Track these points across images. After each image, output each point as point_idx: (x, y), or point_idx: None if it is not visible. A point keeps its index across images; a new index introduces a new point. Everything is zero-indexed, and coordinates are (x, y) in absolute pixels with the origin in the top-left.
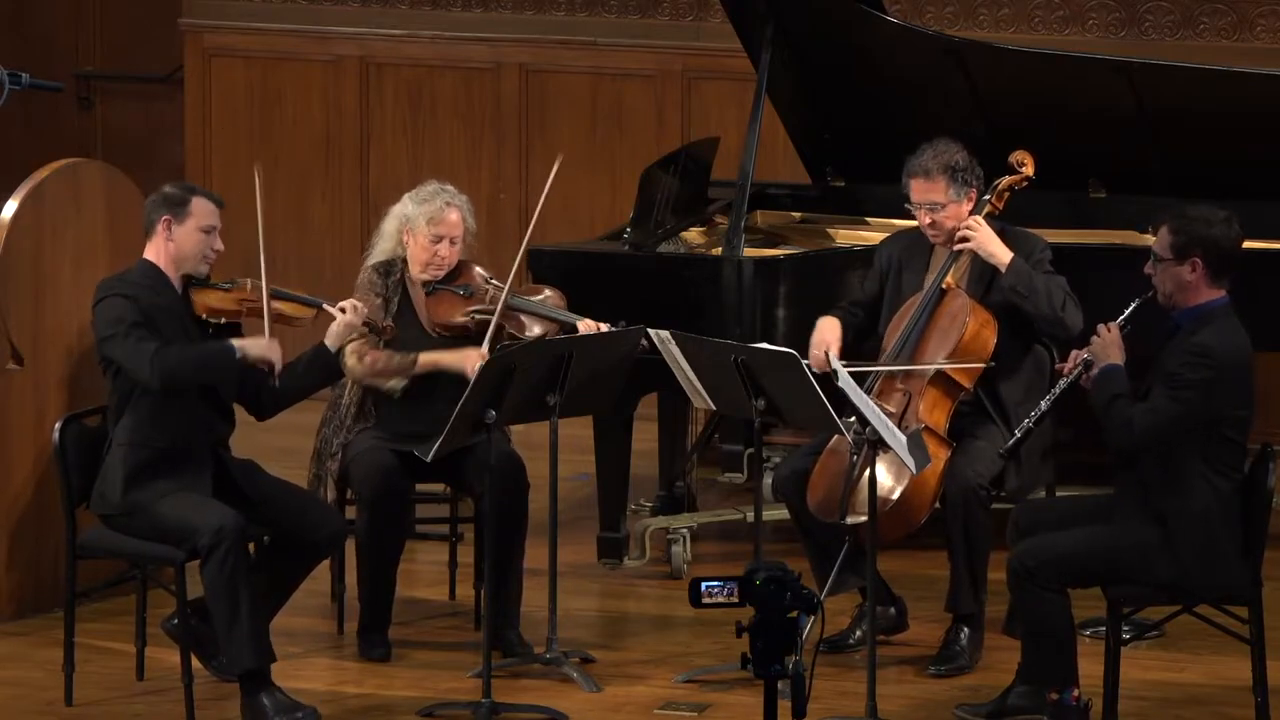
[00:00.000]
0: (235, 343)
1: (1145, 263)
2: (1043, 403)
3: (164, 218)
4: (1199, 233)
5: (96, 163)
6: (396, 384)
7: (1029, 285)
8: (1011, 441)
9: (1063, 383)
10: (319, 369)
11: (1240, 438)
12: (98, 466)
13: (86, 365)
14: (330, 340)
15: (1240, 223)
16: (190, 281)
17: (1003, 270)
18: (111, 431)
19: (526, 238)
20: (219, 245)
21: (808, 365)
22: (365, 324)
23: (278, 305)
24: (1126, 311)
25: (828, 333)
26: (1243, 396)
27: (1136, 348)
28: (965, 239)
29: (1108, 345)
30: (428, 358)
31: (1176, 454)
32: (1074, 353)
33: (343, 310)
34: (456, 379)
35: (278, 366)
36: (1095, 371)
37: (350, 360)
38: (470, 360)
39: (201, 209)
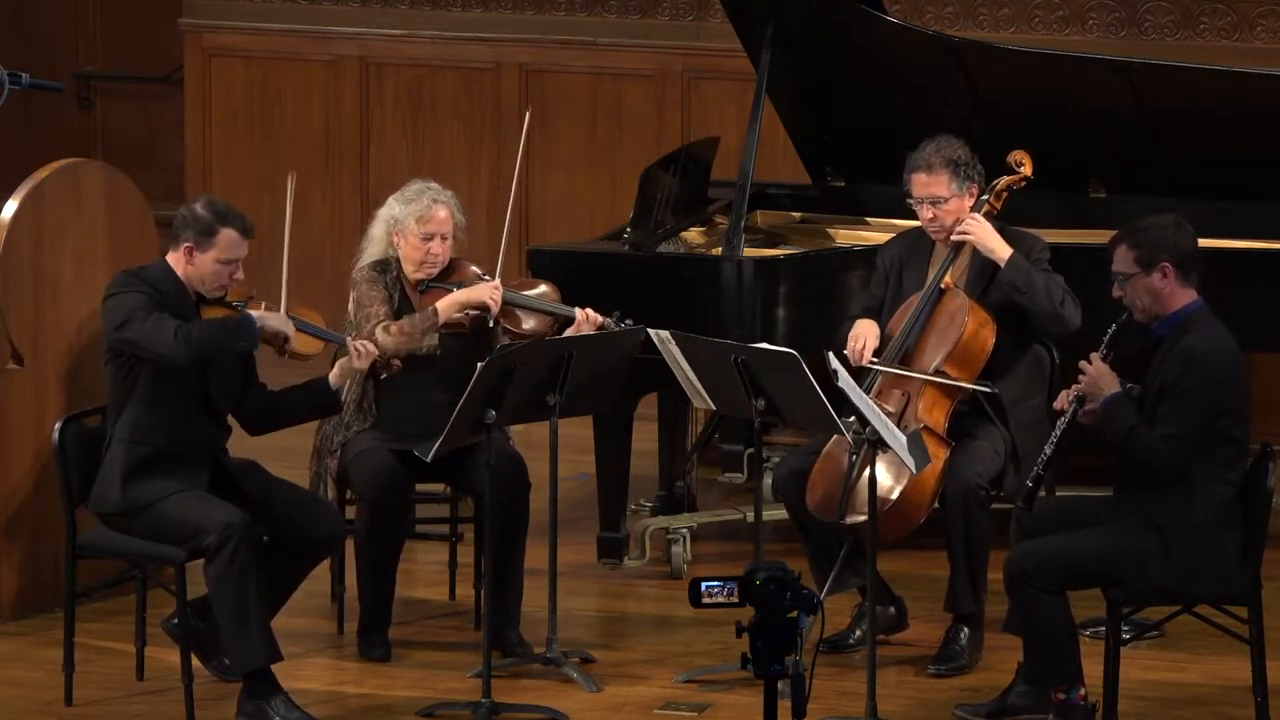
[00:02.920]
0: (252, 312)
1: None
2: (1046, 448)
3: (187, 244)
4: (1159, 239)
5: (96, 163)
6: (430, 341)
7: (1027, 281)
8: (1026, 491)
9: (1061, 422)
10: (315, 402)
11: (1241, 434)
12: (98, 466)
13: (86, 365)
14: (333, 378)
15: (1189, 222)
16: (202, 299)
17: (1002, 266)
18: (111, 429)
19: (505, 232)
20: (239, 276)
21: (839, 364)
22: (374, 364)
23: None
24: (1105, 338)
25: (869, 329)
26: (1236, 394)
27: (1125, 350)
28: (964, 233)
29: (1099, 377)
30: (446, 302)
31: None
32: (1064, 392)
33: (358, 352)
34: (456, 378)
35: (291, 341)
36: (1097, 405)
37: (380, 336)
38: (484, 292)
39: (227, 242)
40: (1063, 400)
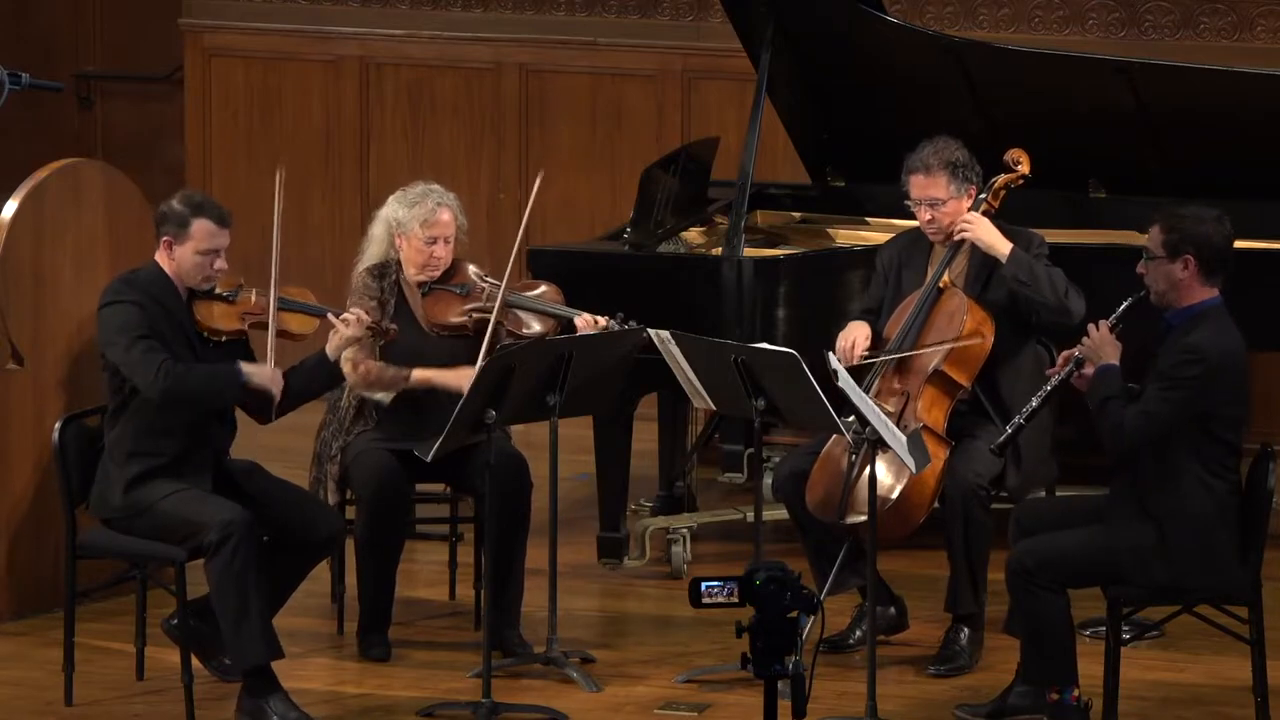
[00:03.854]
0: (243, 366)
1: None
2: (1034, 400)
3: (165, 238)
4: (1191, 230)
5: (96, 163)
6: (384, 397)
7: (1030, 273)
8: (1003, 438)
9: (1055, 380)
10: (322, 375)
11: (1234, 438)
12: (98, 467)
13: (86, 365)
14: (329, 349)
15: (1231, 222)
16: (193, 293)
17: (1003, 261)
18: (107, 435)
19: (517, 242)
20: (221, 265)
21: (839, 364)
22: (369, 328)
23: (284, 320)
24: (1118, 310)
25: (859, 330)
26: (1235, 395)
27: (1130, 343)
28: (964, 230)
29: (1101, 344)
30: (421, 374)
31: (1170, 455)
32: (1065, 353)
33: (345, 321)
34: None
35: (276, 398)
36: (1091, 371)
37: (345, 368)
38: (465, 380)
39: (202, 232)
40: (1061, 361)
